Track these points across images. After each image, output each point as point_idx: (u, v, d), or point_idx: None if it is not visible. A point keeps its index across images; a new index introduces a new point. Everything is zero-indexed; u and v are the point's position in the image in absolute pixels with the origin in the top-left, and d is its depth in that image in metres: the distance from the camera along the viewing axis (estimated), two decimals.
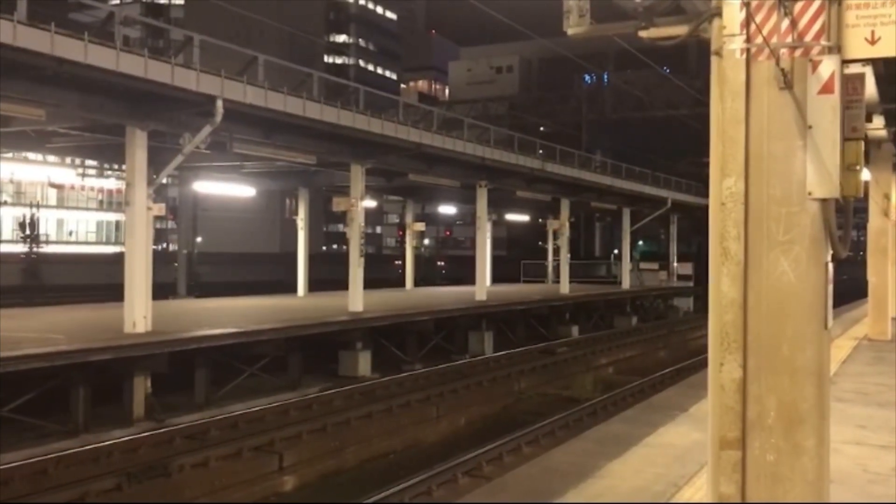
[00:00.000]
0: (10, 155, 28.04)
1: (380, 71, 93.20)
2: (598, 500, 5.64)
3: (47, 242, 42.33)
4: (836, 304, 4.42)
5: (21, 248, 38.04)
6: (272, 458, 11.06)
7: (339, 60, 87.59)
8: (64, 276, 35.09)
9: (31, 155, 28.83)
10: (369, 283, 20.69)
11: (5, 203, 49.32)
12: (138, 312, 13.68)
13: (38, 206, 41.15)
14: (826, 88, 3.72)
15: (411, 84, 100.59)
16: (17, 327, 14.15)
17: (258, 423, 12.65)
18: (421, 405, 14.77)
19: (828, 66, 3.72)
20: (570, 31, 4.55)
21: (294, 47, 66.35)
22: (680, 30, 4.11)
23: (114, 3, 52.16)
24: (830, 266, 3.90)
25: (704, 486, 4.28)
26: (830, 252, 3.89)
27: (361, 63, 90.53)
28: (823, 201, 3.78)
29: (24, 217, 38.68)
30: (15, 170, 42.65)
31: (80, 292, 28.13)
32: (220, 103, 13.39)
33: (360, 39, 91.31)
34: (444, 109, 46.42)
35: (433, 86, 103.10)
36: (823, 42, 3.76)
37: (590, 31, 4.54)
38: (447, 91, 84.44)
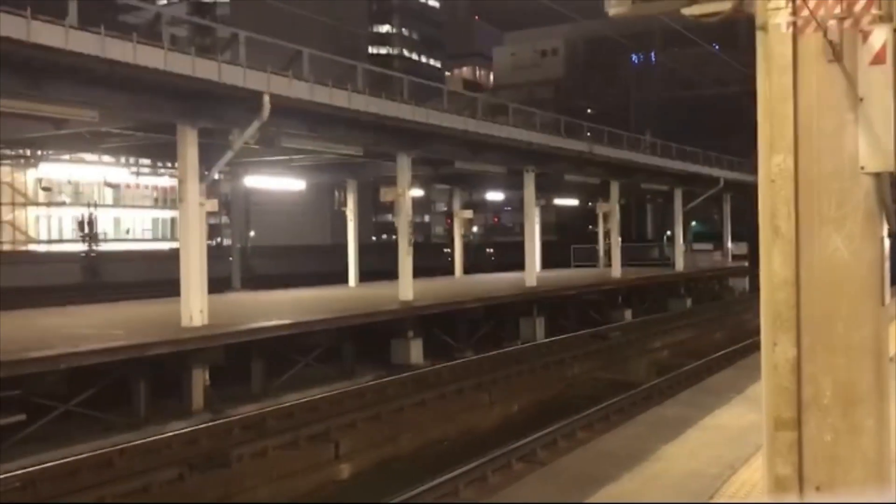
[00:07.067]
0: (67, 157, 28.74)
1: (424, 59, 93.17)
2: (653, 483, 5.60)
3: (105, 240, 43.35)
4: None
5: (80, 247, 39.05)
6: (328, 447, 11.23)
7: (382, 51, 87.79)
8: (122, 273, 35.91)
9: (87, 156, 29.51)
10: (419, 272, 20.78)
11: (64, 203, 50.66)
12: (195, 306, 13.97)
13: (95, 205, 42.18)
14: (878, 59, 3.61)
15: (455, 71, 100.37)
16: (79, 324, 14.58)
17: (314, 413, 12.83)
18: (473, 392, 14.83)
19: (879, 36, 3.61)
20: (611, 12, 4.49)
21: (338, 39, 66.71)
22: (723, 6, 4.01)
23: (161, 2, 53.08)
24: (887, 241, 3.80)
25: (761, 468, 4.22)
26: (886, 227, 3.79)
27: (405, 52, 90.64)
28: (877, 175, 3.68)
29: (83, 216, 39.70)
30: (73, 171, 43.72)
31: (138, 288, 28.77)
32: (266, 99, 13.55)
33: (404, 29, 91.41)
34: (489, 95, 46.23)
35: (478, 72, 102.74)
36: (874, 11, 3.65)
37: (632, 10, 4.46)
38: (492, 77, 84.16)
